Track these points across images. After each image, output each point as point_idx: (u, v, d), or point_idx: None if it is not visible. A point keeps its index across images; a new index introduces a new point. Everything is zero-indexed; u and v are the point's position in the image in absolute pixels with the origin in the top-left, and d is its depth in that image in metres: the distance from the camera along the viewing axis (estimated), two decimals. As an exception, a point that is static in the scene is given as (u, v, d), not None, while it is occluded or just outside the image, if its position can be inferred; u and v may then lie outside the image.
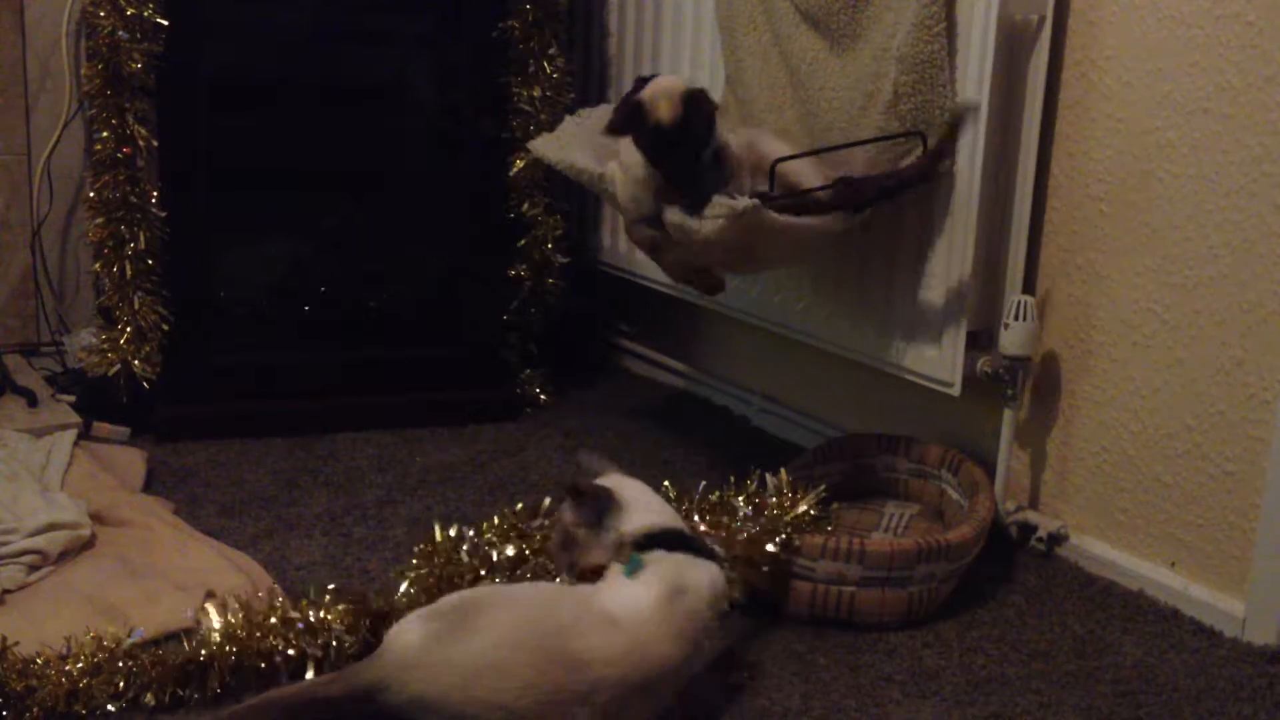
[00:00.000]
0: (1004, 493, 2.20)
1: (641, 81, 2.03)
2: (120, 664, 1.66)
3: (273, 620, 1.75)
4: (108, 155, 2.46)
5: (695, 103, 1.93)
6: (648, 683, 1.58)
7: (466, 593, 1.68)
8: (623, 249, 2.88)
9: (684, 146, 1.94)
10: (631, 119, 1.96)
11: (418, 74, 2.79)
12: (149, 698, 1.66)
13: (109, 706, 1.64)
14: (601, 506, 1.73)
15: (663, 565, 1.65)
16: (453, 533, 1.93)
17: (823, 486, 2.01)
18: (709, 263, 2.08)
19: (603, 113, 2.43)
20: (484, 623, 1.57)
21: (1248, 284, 1.92)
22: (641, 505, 1.74)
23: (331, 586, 1.85)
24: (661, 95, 1.94)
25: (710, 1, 2.54)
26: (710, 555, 1.72)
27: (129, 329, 2.51)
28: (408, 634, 1.59)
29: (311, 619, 1.76)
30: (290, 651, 1.73)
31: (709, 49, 2.57)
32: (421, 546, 1.91)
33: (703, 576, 1.66)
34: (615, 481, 1.78)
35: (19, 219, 2.88)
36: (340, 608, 1.79)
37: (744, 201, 1.91)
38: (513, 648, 1.55)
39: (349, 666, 1.64)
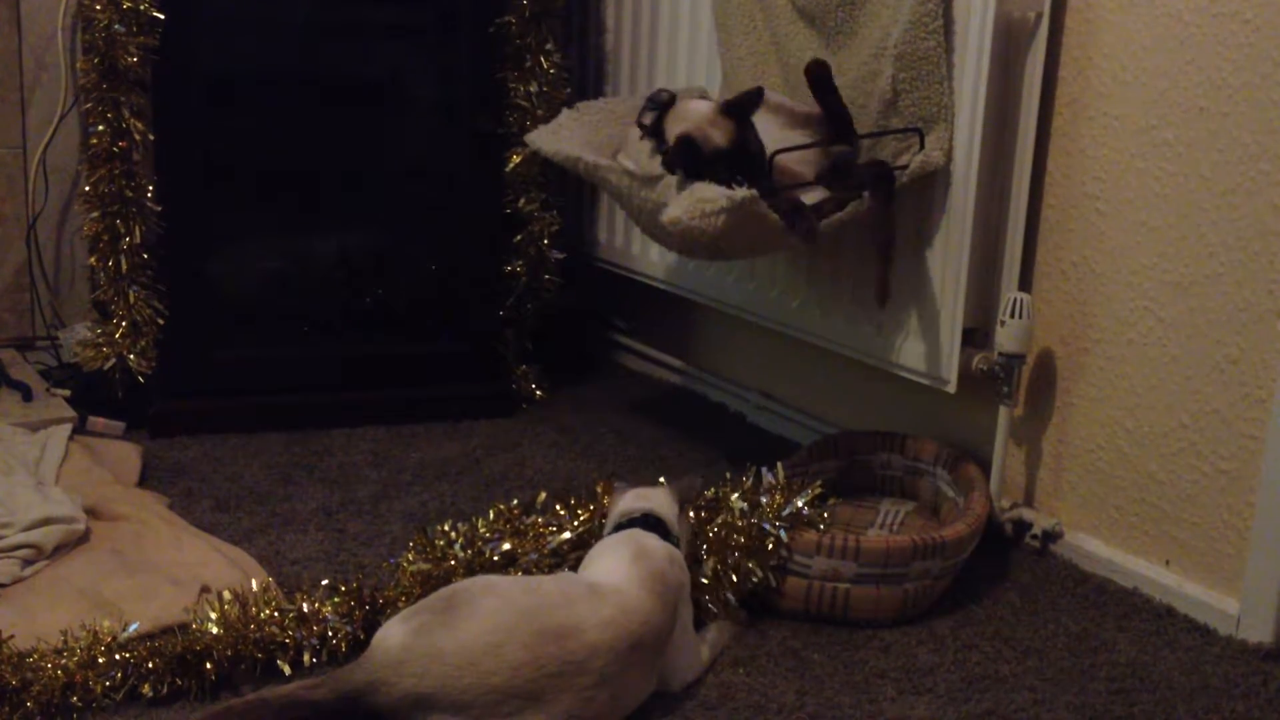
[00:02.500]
0: (999, 490, 2.21)
1: (657, 104, 2.07)
2: (116, 656, 1.66)
3: (267, 612, 1.75)
4: (103, 149, 2.46)
5: (738, 111, 1.98)
6: (637, 642, 1.63)
7: (449, 587, 1.69)
8: (619, 244, 2.88)
9: (746, 157, 1.98)
10: (688, 159, 1.98)
11: (414, 68, 2.79)
12: (145, 689, 1.66)
13: (106, 699, 1.64)
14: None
15: (622, 536, 1.78)
16: (446, 528, 1.93)
17: (818, 483, 2.01)
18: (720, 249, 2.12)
19: (600, 106, 2.43)
20: (471, 611, 1.58)
21: (1243, 282, 1.92)
22: (633, 496, 1.88)
23: (325, 582, 1.85)
24: (705, 124, 1.98)
25: (707, -2, 2.54)
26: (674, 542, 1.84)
27: (124, 323, 2.51)
28: (393, 634, 1.59)
29: (305, 610, 1.77)
30: (285, 641, 1.74)
31: (705, 45, 2.57)
32: (415, 540, 1.91)
33: (655, 543, 1.77)
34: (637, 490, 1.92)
35: (14, 213, 2.88)
36: (335, 600, 1.79)
37: (740, 193, 1.91)
38: (503, 630, 1.56)
39: (336, 671, 1.64)
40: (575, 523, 1.95)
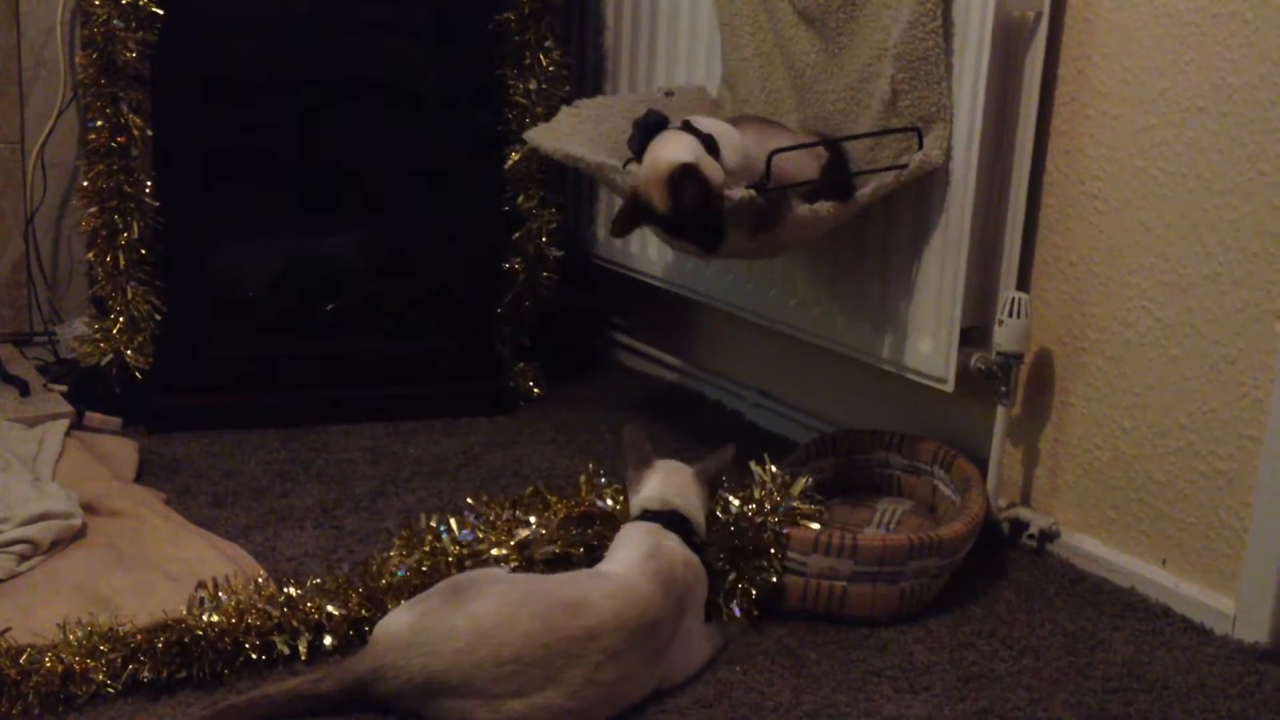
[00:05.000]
0: (996, 489, 2.21)
1: (643, 130, 2.04)
2: (116, 645, 1.67)
3: (261, 602, 1.76)
4: (102, 145, 2.45)
5: (677, 188, 1.92)
6: (643, 617, 1.64)
7: (453, 577, 1.70)
8: (617, 243, 2.88)
9: (686, 226, 1.96)
10: (635, 212, 1.99)
11: (413, 65, 2.79)
12: (146, 673, 1.66)
13: (107, 687, 1.65)
14: (632, 465, 1.89)
15: (642, 530, 1.78)
16: (434, 523, 1.93)
17: (807, 477, 2.00)
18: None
19: (599, 104, 2.43)
20: (479, 593, 1.60)
21: (1241, 282, 1.92)
22: (659, 481, 1.84)
23: (316, 581, 1.84)
24: (653, 184, 1.95)
25: (706, -3, 2.54)
26: (697, 545, 1.82)
27: (122, 319, 2.50)
28: (398, 620, 1.60)
29: (294, 594, 1.77)
30: (281, 622, 1.74)
31: (705, 44, 2.57)
32: (404, 534, 1.91)
33: (674, 544, 1.77)
34: (660, 463, 1.89)
35: (12, 208, 2.87)
36: (327, 594, 1.80)
37: (739, 192, 1.92)
38: (513, 605, 1.58)
39: (340, 663, 1.64)
40: (548, 515, 1.94)
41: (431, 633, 1.56)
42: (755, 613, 1.90)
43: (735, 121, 2.16)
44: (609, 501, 1.97)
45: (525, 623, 1.56)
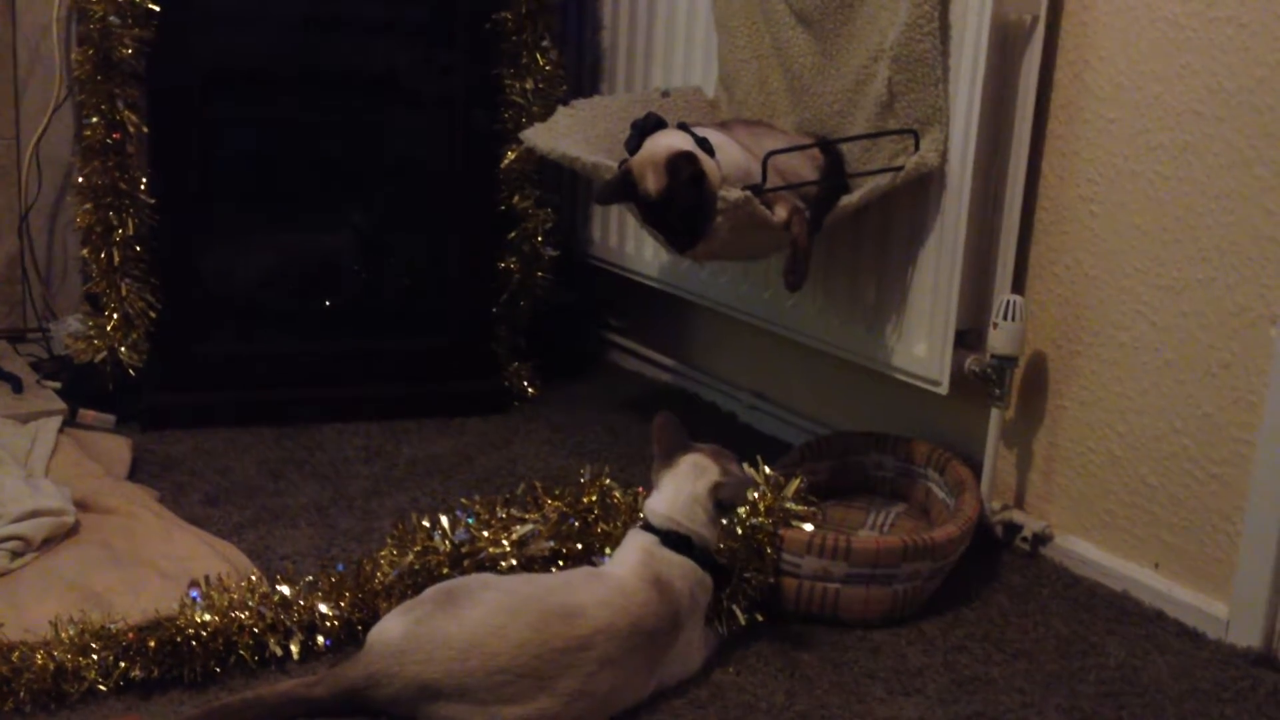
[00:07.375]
0: (990, 492, 2.21)
1: (641, 132, 2.03)
2: (108, 643, 1.67)
3: (254, 600, 1.75)
4: (97, 141, 2.45)
5: (676, 170, 1.92)
6: (636, 623, 1.63)
7: (446, 583, 1.69)
8: (613, 242, 2.88)
9: (671, 213, 1.95)
10: (623, 188, 1.99)
11: (410, 64, 2.78)
12: (137, 671, 1.67)
13: (100, 684, 1.65)
14: (658, 456, 1.83)
15: (639, 542, 1.75)
16: (427, 522, 1.93)
17: (800, 478, 2.00)
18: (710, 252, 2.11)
19: (596, 104, 2.43)
20: (472, 601, 1.59)
21: (1235, 287, 1.92)
22: (670, 492, 1.78)
23: (309, 578, 1.84)
24: (647, 164, 1.95)
25: (703, -2, 2.54)
26: (711, 566, 1.79)
27: (116, 316, 2.50)
28: (392, 627, 1.60)
29: (289, 593, 1.77)
30: (274, 623, 1.74)
31: (701, 44, 2.57)
32: (395, 533, 1.91)
33: (670, 556, 1.74)
34: (687, 458, 1.82)
35: (7, 204, 2.87)
36: (321, 591, 1.80)
37: (735, 193, 1.92)
38: (507, 612, 1.57)
39: (333, 668, 1.64)
40: (541, 514, 1.94)
41: (425, 640, 1.56)
42: (746, 613, 1.90)
43: (725, 125, 2.16)
44: (616, 496, 1.97)
45: (518, 631, 1.56)
